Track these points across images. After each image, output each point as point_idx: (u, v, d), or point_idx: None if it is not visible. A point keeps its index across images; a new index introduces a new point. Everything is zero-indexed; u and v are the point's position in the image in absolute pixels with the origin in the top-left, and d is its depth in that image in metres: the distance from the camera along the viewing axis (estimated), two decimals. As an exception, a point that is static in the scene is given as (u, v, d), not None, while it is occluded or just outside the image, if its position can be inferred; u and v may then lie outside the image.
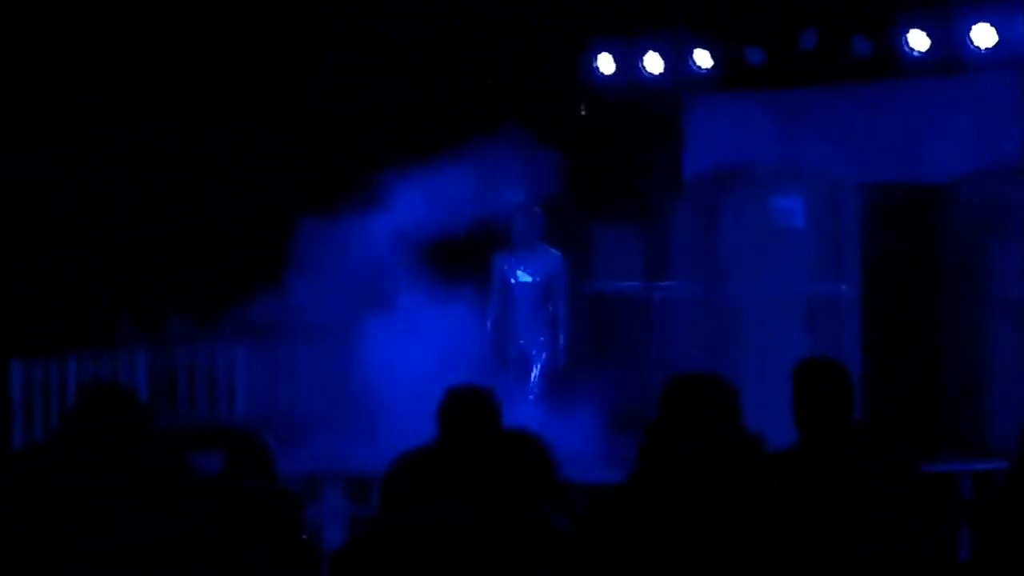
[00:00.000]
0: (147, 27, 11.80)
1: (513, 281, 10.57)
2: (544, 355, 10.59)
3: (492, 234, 10.45)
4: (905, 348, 10.65)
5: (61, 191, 11.96)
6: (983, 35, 10.56)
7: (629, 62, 11.83)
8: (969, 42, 10.62)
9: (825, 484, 4.54)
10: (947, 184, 10.73)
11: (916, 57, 10.81)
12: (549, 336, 10.57)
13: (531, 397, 10.48)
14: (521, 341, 10.56)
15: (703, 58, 11.56)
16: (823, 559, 4.46)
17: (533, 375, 10.60)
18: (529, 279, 10.52)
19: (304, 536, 5.30)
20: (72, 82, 11.73)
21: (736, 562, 4.34)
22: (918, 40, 10.77)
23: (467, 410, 5.24)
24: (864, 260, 10.82)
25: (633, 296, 11.54)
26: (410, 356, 9.90)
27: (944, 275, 10.72)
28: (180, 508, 4.73)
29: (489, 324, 10.56)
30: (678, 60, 11.63)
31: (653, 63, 11.73)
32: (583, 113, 12.19)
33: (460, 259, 10.32)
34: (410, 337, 10.02)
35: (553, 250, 10.57)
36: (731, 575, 4.35)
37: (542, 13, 11.54)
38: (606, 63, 11.88)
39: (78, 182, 11.99)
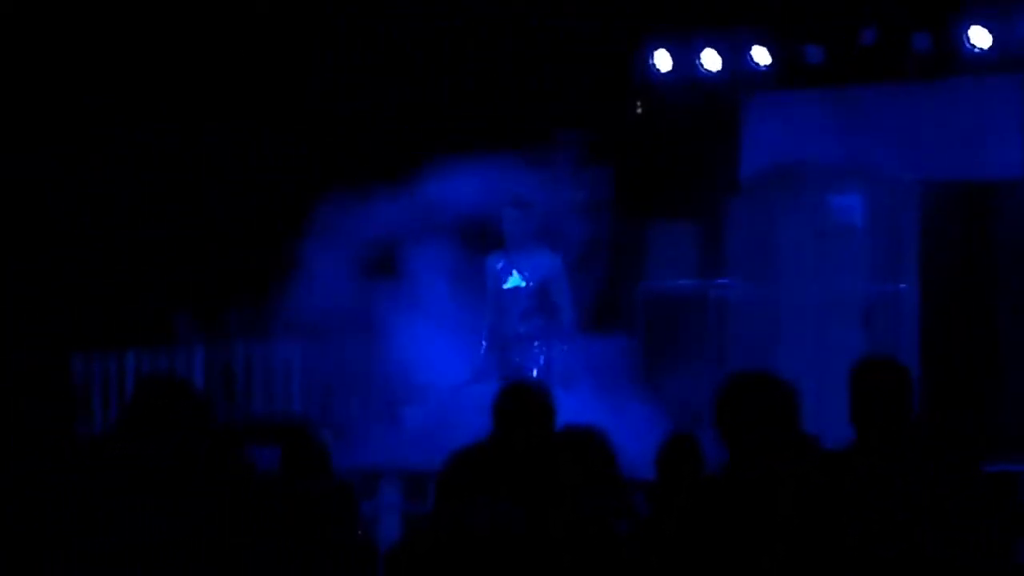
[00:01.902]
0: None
1: (505, 286, 9.48)
2: (535, 371, 9.33)
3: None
4: (964, 348, 10.56)
5: (120, 188, 12.06)
6: (1046, 32, 10.47)
7: (686, 59, 11.77)
8: (1032, 39, 10.52)
9: (882, 484, 4.50)
10: (1008, 182, 10.63)
11: (978, 54, 10.70)
12: (546, 349, 9.36)
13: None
14: (516, 358, 9.43)
15: (761, 55, 11.49)
16: (880, 558, 4.42)
17: None
18: (522, 283, 9.44)
19: (359, 533, 5.31)
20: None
21: (790, 563, 4.31)
22: (980, 37, 10.66)
23: (522, 407, 5.24)
24: (923, 259, 10.74)
25: (689, 294, 11.49)
26: (445, 351, 9.73)
27: (1004, 273, 10.62)
28: (237, 503, 4.75)
29: (484, 336, 9.53)
30: (736, 57, 11.57)
31: (711, 60, 11.67)
32: (639, 111, 12.14)
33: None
34: (444, 334, 9.85)
35: (550, 251, 9.55)
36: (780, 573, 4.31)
37: (599, 9, 11.51)
38: (663, 60, 11.83)
39: (136, 179, 12.08)
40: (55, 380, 10.95)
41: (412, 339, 9.93)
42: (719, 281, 11.42)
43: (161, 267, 12.25)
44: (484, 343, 9.50)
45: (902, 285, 10.76)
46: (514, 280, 9.43)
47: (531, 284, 9.42)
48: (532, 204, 9.52)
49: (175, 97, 12.02)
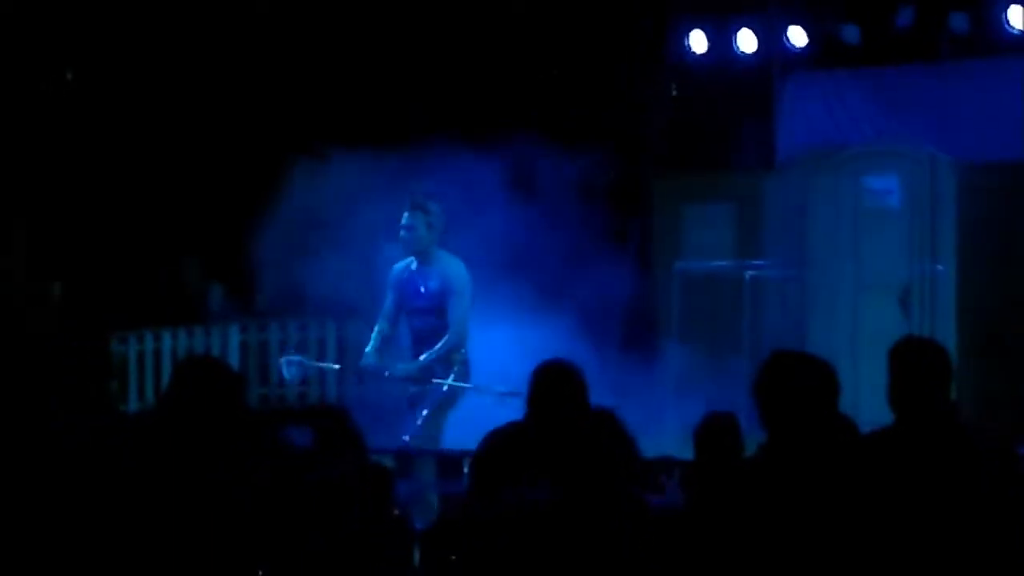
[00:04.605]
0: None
1: (408, 299, 8.35)
2: (428, 402, 8.23)
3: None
4: (1001, 329, 10.51)
5: (158, 172, 12.12)
6: (1084, 12, 10.39)
7: (722, 40, 11.74)
8: (1070, 19, 10.44)
9: (920, 465, 4.49)
10: (1046, 163, 10.58)
11: (1014, 34, 10.63)
12: (441, 374, 8.13)
13: (405, 438, 8.22)
14: (410, 391, 8.32)
15: (797, 36, 11.44)
16: (917, 540, 4.42)
17: (417, 423, 8.24)
18: (422, 291, 8.27)
19: (396, 512, 5.33)
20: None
21: (830, 544, 4.31)
22: (1017, 17, 10.59)
23: (555, 387, 5.24)
24: (960, 240, 10.68)
25: (724, 275, 11.47)
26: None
27: (1041, 255, 10.57)
28: (272, 483, 4.77)
29: (371, 349, 8.33)
30: (772, 38, 11.53)
31: (746, 41, 11.64)
32: (675, 92, 12.12)
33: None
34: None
35: (453, 258, 8.27)
36: (826, 557, 4.31)
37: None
38: (699, 41, 11.81)
39: (173, 164, 12.15)
40: (93, 361, 11.02)
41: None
42: (755, 262, 11.40)
43: (195, 246, 12.31)
44: (371, 351, 8.44)
45: (939, 266, 10.71)
46: (413, 290, 8.30)
47: (433, 293, 8.26)
48: (432, 206, 8.21)
49: (204, 79, 12.09)
